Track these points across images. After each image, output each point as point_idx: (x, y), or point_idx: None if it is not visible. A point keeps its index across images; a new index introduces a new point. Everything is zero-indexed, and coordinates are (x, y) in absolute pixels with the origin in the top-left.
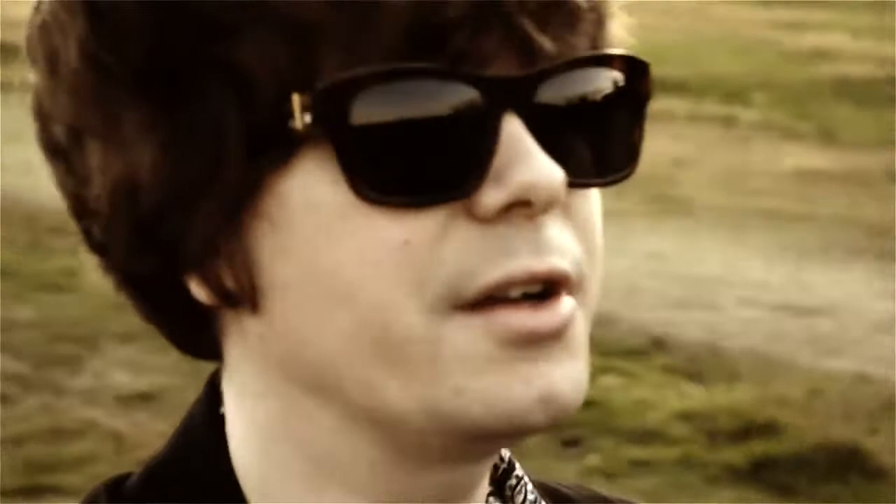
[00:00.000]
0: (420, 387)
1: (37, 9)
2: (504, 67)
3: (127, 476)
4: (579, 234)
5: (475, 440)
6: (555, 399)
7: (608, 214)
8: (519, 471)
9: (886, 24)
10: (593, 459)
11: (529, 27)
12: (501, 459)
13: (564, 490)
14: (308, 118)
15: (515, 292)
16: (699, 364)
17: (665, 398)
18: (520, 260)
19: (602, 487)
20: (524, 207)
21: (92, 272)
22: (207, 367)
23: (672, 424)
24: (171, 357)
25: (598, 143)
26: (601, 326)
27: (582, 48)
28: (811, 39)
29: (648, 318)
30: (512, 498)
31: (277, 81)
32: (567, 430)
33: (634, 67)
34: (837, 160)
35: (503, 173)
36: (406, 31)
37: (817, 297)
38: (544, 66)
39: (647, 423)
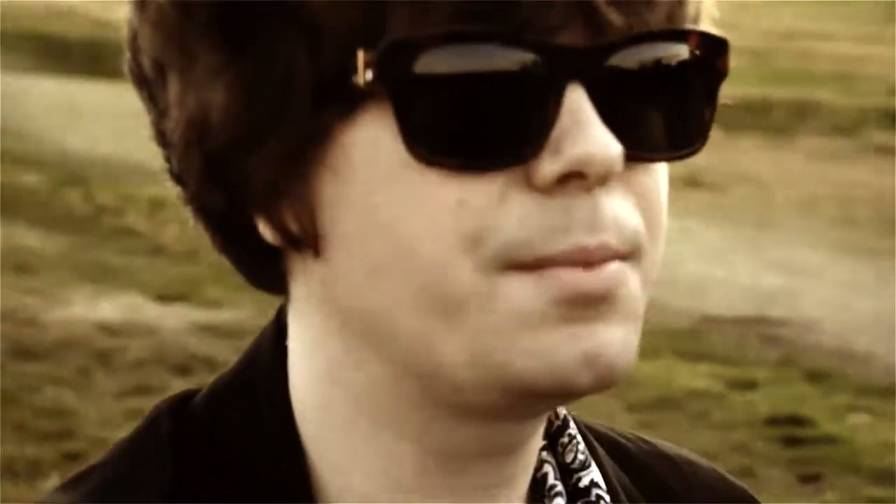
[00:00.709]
0: (471, 340)
1: None
2: (571, 37)
3: (194, 393)
4: (640, 206)
5: (520, 397)
6: (600, 359)
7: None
8: (572, 429)
9: None
10: (831, 496)
11: (599, 0)
12: (556, 416)
13: (624, 442)
14: (370, 75)
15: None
16: None
17: None
18: (573, 236)
19: None
20: (580, 179)
21: None
22: None
23: None
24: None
25: (665, 117)
26: (855, 364)
27: (656, 23)
28: None
29: None
30: (563, 454)
31: (345, 35)
32: (808, 465)
33: (711, 44)
34: None
35: (561, 143)
36: None
37: None
38: (612, 38)
39: (892, 464)
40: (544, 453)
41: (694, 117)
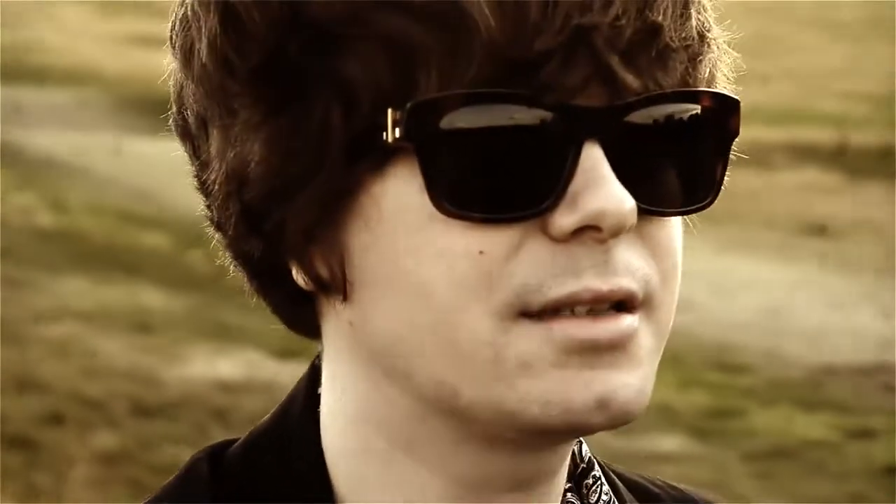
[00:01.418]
0: (484, 385)
1: (181, 2)
2: (588, 98)
3: (231, 442)
4: (652, 256)
5: (536, 436)
6: (612, 402)
7: None
8: (597, 471)
9: None
10: None
11: (615, 63)
12: (581, 460)
13: (654, 489)
14: (399, 132)
15: (581, 309)
16: None
17: None
18: (585, 280)
19: None
20: (595, 231)
21: None
22: None
23: None
24: None
25: (678, 173)
26: None
27: (670, 84)
28: None
29: None
30: (587, 496)
31: (376, 95)
32: None
33: (723, 104)
34: None
35: (577, 197)
36: (498, 59)
37: None
38: (629, 99)
39: None
40: (569, 495)
41: (706, 174)
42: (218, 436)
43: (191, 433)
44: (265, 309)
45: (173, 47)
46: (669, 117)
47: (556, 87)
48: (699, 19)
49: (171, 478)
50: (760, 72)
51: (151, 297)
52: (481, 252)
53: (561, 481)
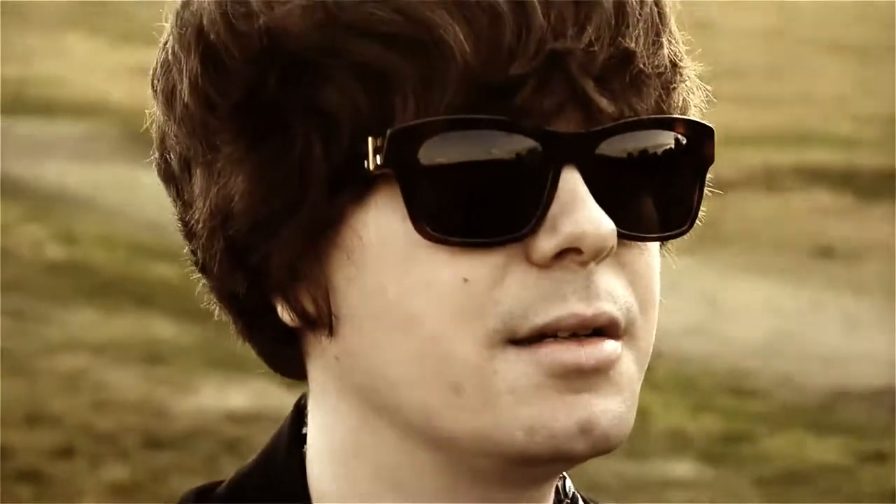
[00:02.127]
0: (471, 413)
1: (162, 46)
2: (566, 124)
3: (217, 484)
4: (631, 284)
5: (521, 465)
6: (594, 428)
7: None
8: None
9: None
10: None
11: (590, 88)
12: (566, 495)
13: None
14: (379, 160)
15: (564, 333)
16: None
17: None
18: (569, 305)
19: None
20: (576, 254)
21: None
22: None
23: None
24: None
25: (655, 200)
26: None
27: (644, 110)
28: None
29: None
30: None
31: (355, 123)
32: None
33: (697, 131)
34: None
35: (557, 221)
36: (474, 84)
37: None
38: (605, 124)
39: None
40: None
41: (683, 200)
42: (229, 467)
43: (202, 465)
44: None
45: (155, 92)
46: (645, 143)
47: (532, 111)
48: (671, 49)
49: None
50: (774, 95)
51: (162, 329)
52: (466, 280)
53: None
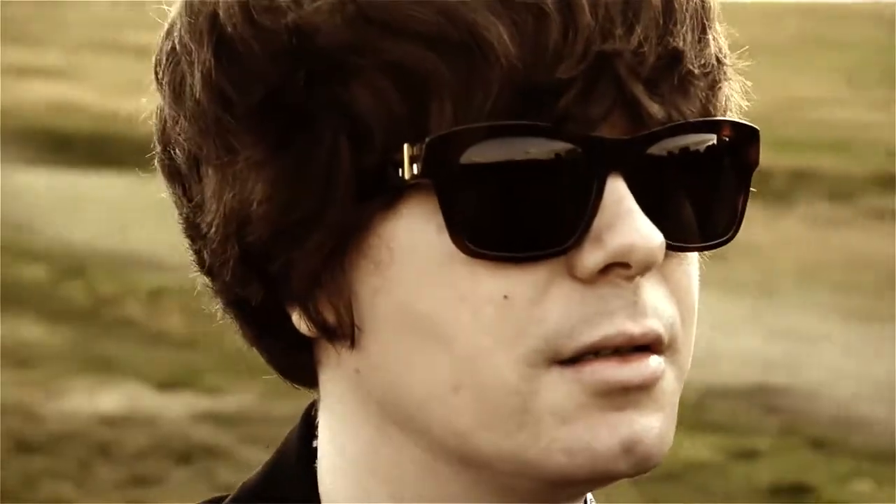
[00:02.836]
0: (507, 435)
1: (167, 33)
2: (611, 129)
3: (221, 499)
4: (674, 296)
5: (559, 486)
6: (637, 447)
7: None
8: None
9: None
10: None
11: (639, 92)
12: (585, 502)
13: None
14: (416, 168)
15: (607, 350)
16: None
17: None
18: (617, 322)
19: None
20: (623, 268)
21: None
22: None
23: None
24: None
25: (699, 207)
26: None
27: (692, 113)
28: None
29: None
30: None
31: (389, 128)
32: None
33: (743, 134)
34: None
35: (603, 233)
36: (518, 88)
37: None
38: (652, 129)
39: None
40: None
41: (727, 208)
42: (101, 471)
43: (74, 469)
44: (146, 341)
45: (159, 83)
46: (692, 148)
47: (578, 117)
48: (716, 45)
49: None
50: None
51: (30, 331)
52: (506, 296)
53: None
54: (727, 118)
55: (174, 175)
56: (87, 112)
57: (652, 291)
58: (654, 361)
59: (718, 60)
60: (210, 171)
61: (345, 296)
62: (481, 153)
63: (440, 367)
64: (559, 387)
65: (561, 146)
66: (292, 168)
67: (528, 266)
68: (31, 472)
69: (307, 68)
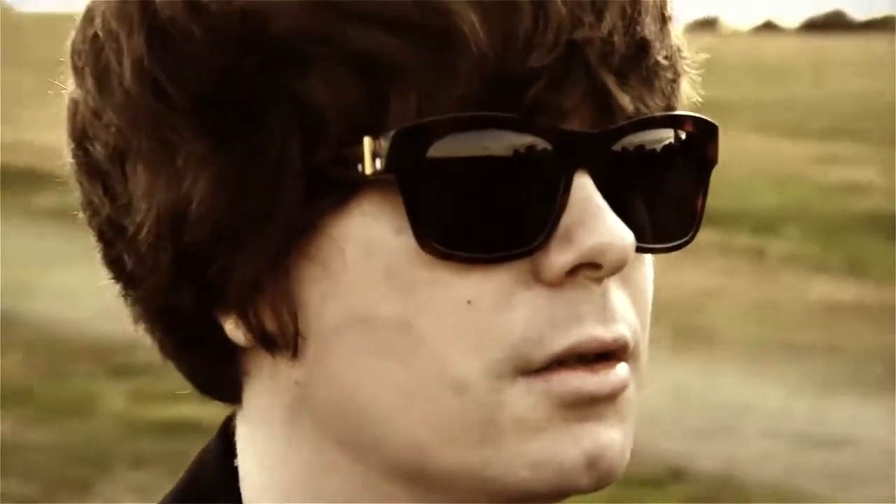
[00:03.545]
0: (467, 448)
1: (87, 18)
2: (580, 122)
3: None
4: (634, 302)
5: (519, 502)
6: (600, 462)
7: None
8: None
9: None
10: None
11: (611, 82)
12: None
13: None
14: (379, 163)
15: (573, 358)
16: (717, 495)
17: None
18: (588, 328)
19: None
20: (592, 270)
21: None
22: None
23: None
24: None
25: (662, 207)
26: None
27: (657, 106)
28: (842, 173)
29: (667, 447)
30: None
31: (346, 121)
32: None
33: (704, 130)
34: (866, 294)
35: (573, 232)
36: (488, 78)
37: (839, 430)
38: (618, 123)
39: None
40: None
41: (687, 207)
42: None
43: None
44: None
45: (78, 71)
46: (656, 144)
47: (548, 108)
48: (676, 36)
49: None
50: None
51: None
52: (469, 302)
53: None
54: (689, 113)
55: (93, 172)
56: None
57: (618, 294)
58: (622, 370)
59: (679, 51)
60: (140, 168)
61: (288, 301)
62: (447, 147)
63: (397, 378)
64: (525, 398)
65: (528, 140)
66: (238, 164)
67: (492, 269)
68: None
69: (257, 57)
